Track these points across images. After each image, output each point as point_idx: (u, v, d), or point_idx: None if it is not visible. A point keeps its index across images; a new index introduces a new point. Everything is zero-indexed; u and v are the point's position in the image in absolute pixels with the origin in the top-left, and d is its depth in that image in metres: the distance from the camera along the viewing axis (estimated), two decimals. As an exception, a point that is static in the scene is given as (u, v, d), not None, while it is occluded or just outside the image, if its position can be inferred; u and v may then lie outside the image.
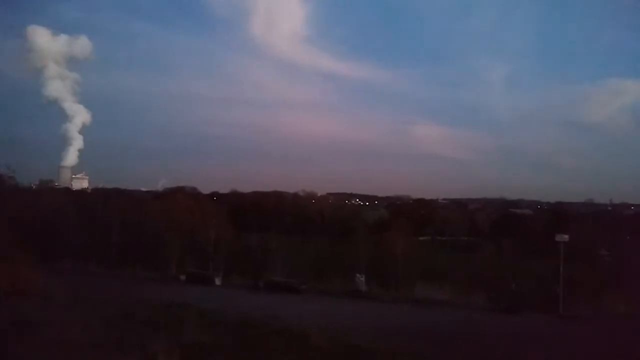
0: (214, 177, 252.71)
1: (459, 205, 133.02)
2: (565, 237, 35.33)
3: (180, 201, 56.52)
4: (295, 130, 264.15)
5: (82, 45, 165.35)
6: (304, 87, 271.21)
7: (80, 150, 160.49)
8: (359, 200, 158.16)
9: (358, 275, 38.15)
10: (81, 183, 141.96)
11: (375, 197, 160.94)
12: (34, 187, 62.25)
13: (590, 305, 33.34)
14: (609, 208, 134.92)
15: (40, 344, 16.78)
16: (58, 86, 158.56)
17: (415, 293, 36.90)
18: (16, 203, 40.50)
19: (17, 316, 20.68)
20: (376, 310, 30.26)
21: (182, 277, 41.29)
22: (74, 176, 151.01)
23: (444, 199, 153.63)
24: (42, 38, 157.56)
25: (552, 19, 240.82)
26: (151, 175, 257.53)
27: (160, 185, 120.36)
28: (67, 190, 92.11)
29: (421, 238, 75.60)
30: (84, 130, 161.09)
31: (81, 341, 17.44)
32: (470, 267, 46.75)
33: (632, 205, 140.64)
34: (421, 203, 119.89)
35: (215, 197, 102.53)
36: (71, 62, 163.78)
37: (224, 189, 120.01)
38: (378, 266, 44.35)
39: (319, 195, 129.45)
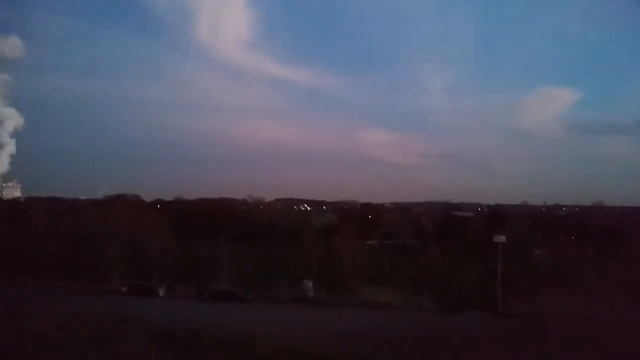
0: (157, 184, 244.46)
1: (405, 209, 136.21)
2: (503, 237, 37.14)
3: (122, 210, 54.52)
4: (242, 135, 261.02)
5: (13, 45, 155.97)
6: (250, 92, 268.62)
7: (12, 156, 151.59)
8: (307, 206, 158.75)
9: (306, 281, 38.25)
10: (13, 192, 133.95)
11: (323, 202, 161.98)
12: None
13: (527, 303, 35.09)
14: (543, 209, 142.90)
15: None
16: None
17: (362, 296, 37.42)
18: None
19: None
20: (323, 315, 30.40)
21: (124, 289, 39.78)
22: (5, 184, 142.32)
23: (390, 203, 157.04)
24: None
25: (489, 27, 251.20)
26: (90, 183, 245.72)
27: (100, 193, 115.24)
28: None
29: (368, 242, 76.67)
30: (15, 135, 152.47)
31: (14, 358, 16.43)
32: (415, 270, 47.95)
33: (564, 206, 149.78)
34: (368, 207, 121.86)
35: (159, 205, 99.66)
36: (1, 63, 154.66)
37: (168, 197, 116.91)
38: (326, 271, 44.62)
39: (266, 201, 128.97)
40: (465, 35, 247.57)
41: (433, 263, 48.41)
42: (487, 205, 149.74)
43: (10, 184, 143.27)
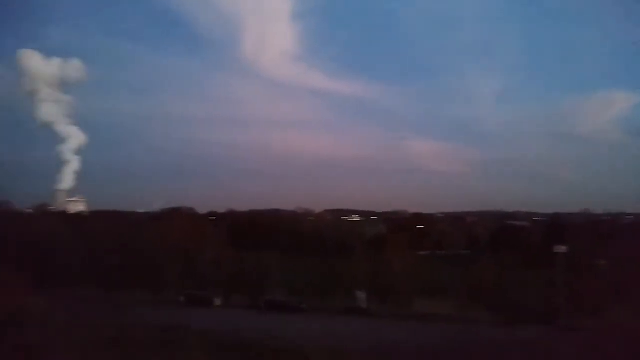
0: (210, 197, 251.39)
1: (457, 219, 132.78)
2: (564, 248, 35.47)
3: (178, 222, 56.31)
4: (291, 148, 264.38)
5: (75, 68, 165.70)
6: (298, 105, 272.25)
7: (76, 173, 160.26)
8: (357, 217, 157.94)
9: (358, 292, 37.92)
10: (77, 206, 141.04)
11: (372, 213, 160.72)
12: (29, 211, 61.83)
13: (591, 317, 33.21)
14: (606, 218, 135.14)
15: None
16: (52, 109, 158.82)
17: (415, 308, 36.73)
18: (13, 228, 40.29)
19: (17, 341, 20.52)
20: (377, 327, 30.07)
21: (182, 299, 40.96)
22: (70, 199, 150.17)
23: (441, 213, 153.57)
24: (34, 62, 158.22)
25: (541, 32, 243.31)
26: (148, 197, 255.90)
27: (157, 206, 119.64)
28: (64, 214, 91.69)
29: (420, 253, 75.26)
30: (79, 153, 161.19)
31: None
32: (469, 281, 46.51)
33: (630, 214, 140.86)
34: (419, 218, 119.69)
35: (213, 217, 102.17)
36: (64, 85, 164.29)
37: (220, 209, 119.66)
38: (378, 282, 44.07)
39: (316, 212, 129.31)
40: (513, 40, 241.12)
41: (488, 274, 46.71)
42: (544, 214, 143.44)
43: (74, 199, 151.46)
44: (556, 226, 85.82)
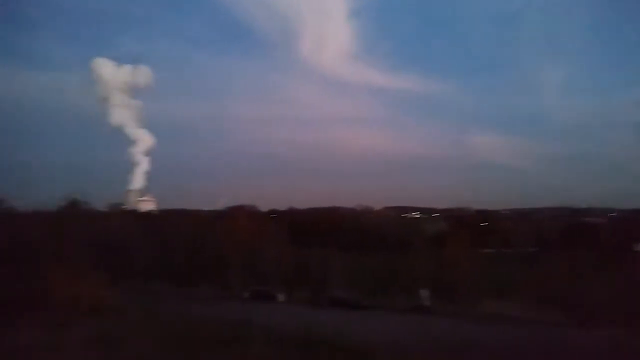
0: (271, 195, 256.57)
1: (524, 216, 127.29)
2: (645, 245, 32.97)
3: (241, 220, 57.81)
4: (350, 146, 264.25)
5: (143, 74, 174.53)
6: (356, 103, 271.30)
7: (146, 173, 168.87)
8: (417, 213, 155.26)
9: (422, 290, 37.23)
10: (147, 205, 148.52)
11: (433, 210, 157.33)
12: (105, 211, 65.76)
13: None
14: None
15: (117, 359, 17.58)
16: (122, 114, 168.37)
17: (482, 308, 35.51)
18: (90, 226, 42.95)
19: (96, 332, 21.85)
20: (442, 326, 29.27)
21: (246, 295, 41.99)
22: (140, 199, 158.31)
23: (507, 210, 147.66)
24: (107, 69, 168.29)
25: (608, 16, 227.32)
26: (212, 195, 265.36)
27: (221, 204, 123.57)
28: (135, 213, 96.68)
29: (485, 251, 72.85)
30: (148, 154, 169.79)
31: (153, 357, 18.12)
32: (538, 280, 44.40)
33: None
34: (483, 214, 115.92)
35: (274, 215, 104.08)
36: (134, 90, 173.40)
37: (281, 206, 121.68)
38: (441, 280, 43.11)
39: (376, 209, 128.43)
40: (579, 26, 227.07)
41: (559, 273, 44.39)
42: (620, 210, 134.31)
43: (144, 198, 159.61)
44: (635, 223, 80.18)
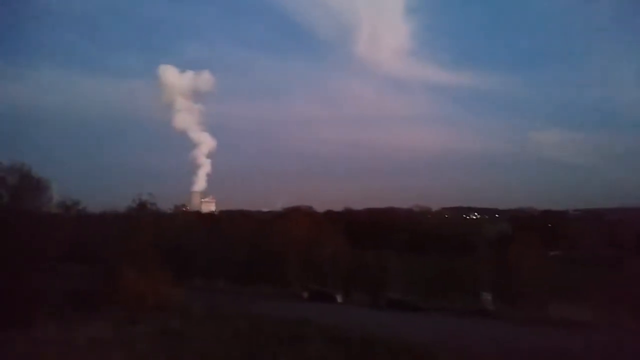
0: (327, 196, 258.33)
1: (594, 216, 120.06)
2: None
3: (298, 220, 58.34)
4: (405, 144, 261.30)
5: (205, 79, 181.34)
6: (413, 100, 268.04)
7: (208, 175, 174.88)
8: (478, 214, 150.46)
9: (484, 293, 35.94)
10: (209, 206, 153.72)
11: (495, 210, 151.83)
12: (170, 211, 68.66)
13: None
14: None
15: (184, 355, 18.26)
16: (185, 118, 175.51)
17: (550, 313, 33.76)
18: (156, 227, 44.89)
19: (162, 328, 22.84)
20: (507, 331, 28.15)
21: (305, 294, 42.31)
22: (202, 200, 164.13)
23: (576, 210, 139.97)
24: (171, 76, 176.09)
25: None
26: (270, 196, 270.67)
27: (279, 205, 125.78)
28: (197, 214, 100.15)
29: (551, 253, 69.39)
30: (210, 156, 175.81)
31: (217, 353, 18.66)
32: (612, 284, 41.68)
33: None
34: (549, 215, 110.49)
35: (330, 215, 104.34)
36: (196, 94, 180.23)
37: (337, 207, 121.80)
38: (505, 283, 41.46)
39: (433, 210, 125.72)
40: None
41: (635, 277, 41.51)
42: None
43: (206, 200, 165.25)
44: None
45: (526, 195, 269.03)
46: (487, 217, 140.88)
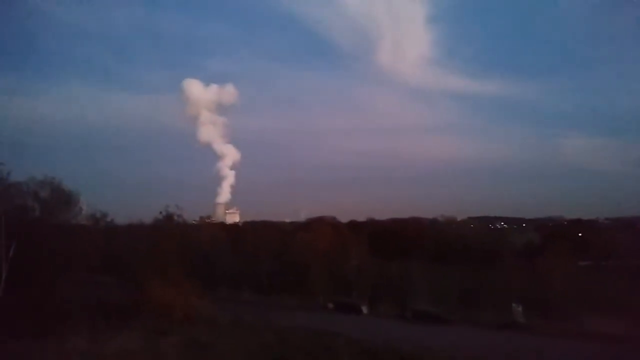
0: (351, 206, 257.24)
1: (625, 225, 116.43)
2: None
3: (322, 231, 58.18)
4: (429, 154, 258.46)
5: (229, 92, 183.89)
6: (437, 110, 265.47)
7: (232, 187, 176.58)
8: (504, 224, 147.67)
9: (514, 305, 34.98)
10: (233, 217, 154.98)
11: (522, 220, 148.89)
12: (196, 223, 69.32)
13: None
14: None
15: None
16: (210, 130, 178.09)
17: (584, 326, 32.66)
18: (183, 238, 45.40)
19: (190, 339, 22.95)
20: (541, 345, 27.31)
21: (330, 306, 42.02)
22: (227, 211, 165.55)
23: (606, 218, 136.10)
24: (195, 89, 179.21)
25: None
26: (294, 207, 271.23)
27: (302, 216, 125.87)
28: (222, 225, 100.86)
29: (581, 263, 67.41)
30: (234, 168, 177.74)
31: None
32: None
33: None
34: (578, 224, 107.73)
35: (353, 226, 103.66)
36: (220, 108, 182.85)
37: (361, 217, 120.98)
38: (535, 295, 40.36)
39: (459, 219, 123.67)
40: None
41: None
42: None
43: (231, 211, 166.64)
44: None
45: (554, 204, 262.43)
46: (514, 226, 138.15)
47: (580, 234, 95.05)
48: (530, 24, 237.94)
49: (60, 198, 38.56)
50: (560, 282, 40.23)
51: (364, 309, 40.49)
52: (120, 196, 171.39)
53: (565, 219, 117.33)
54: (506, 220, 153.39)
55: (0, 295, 30.49)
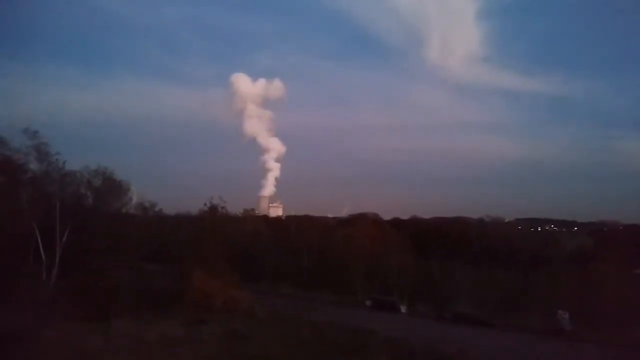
0: (394, 203, 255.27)
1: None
2: None
3: (364, 228, 57.93)
4: (477, 153, 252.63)
5: (276, 87, 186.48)
6: (488, 108, 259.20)
7: (276, 180, 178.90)
8: (554, 226, 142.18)
9: (560, 311, 33.63)
10: (277, 211, 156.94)
11: (574, 223, 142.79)
12: (239, 215, 70.61)
13: None
14: None
15: (247, 357, 18.64)
16: (256, 124, 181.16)
17: (634, 337, 30.96)
18: (226, 230, 46.43)
19: (228, 329, 23.46)
20: (585, 354, 26.20)
21: (368, 303, 41.87)
22: (271, 205, 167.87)
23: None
24: (243, 84, 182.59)
25: None
26: (336, 202, 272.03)
27: (345, 212, 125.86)
28: (265, 218, 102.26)
29: (636, 270, 64.01)
30: (279, 161, 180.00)
31: (280, 358, 18.86)
32: None
33: None
34: (634, 229, 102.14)
35: (396, 224, 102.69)
36: (266, 102, 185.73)
37: (404, 215, 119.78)
38: (584, 302, 38.63)
39: (506, 220, 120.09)
40: None
41: None
42: None
43: (274, 205, 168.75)
44: None
45: (609, 207, 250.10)
46: (564, 229, 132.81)
47: (635, 240, 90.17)
48: (586, 19, 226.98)
49: (112, 187, 40.33)
50: (612, 289, 38.33)
51: (403, 308, 40.06)
52: (169, 187, 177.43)
53: (621, 224, 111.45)
54: (556, 222, 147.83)
55: (54, 279, 32.36)
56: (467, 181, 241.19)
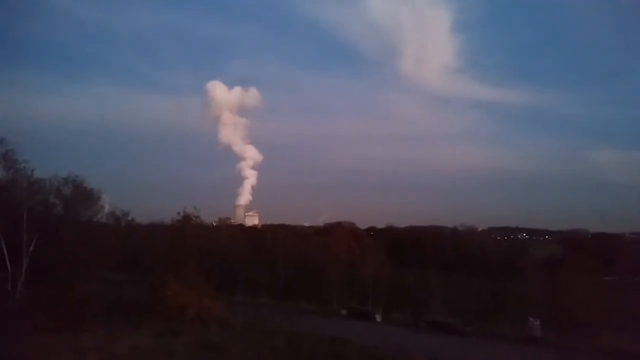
0: (370, 212, 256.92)
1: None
2: None
3: (340, 237, 57.88)
4: (451, 162, 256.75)
5: (252, 95, 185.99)
6: (461, 118, 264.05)
7: (252, 188, 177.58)
8: (526, 235, 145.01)
9: (532, 319, 34.22)
10: (253, 220, 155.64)
11: (545, 232, 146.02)
12: (214, 224, 69.69)
13: None
14: None
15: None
16: (231, 132, 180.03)
17: (602, 342, 31.71)
18: (200, 239, 45.86)
19: (201, 340, 23.11)
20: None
21: (343, 312, 41.82)
22: (247, 213, 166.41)
23: (632, 233, 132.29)
24: (218, 92, 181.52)
25: None
26: (313, 211, 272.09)
27: (321, 220, 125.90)
28: (241, 227, 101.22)
29: (605, 278, 65.61)
30: (255, 169, 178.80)
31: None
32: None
33: None
34: (602, 238, 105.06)
35: (372, 232, 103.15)
36: (243, 110, 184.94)
37: (380, 224, 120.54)
38: (553, 310, 39.38)
39: (479, 229, 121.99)
40: None
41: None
42: None
43: (250, 213, 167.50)
44: None
45: (579, 216, 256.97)
46: (535, 238, 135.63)
47: (604, 248, 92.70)
48: (557, 34, 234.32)
49: (83, 196, 39.32)
50: (582, 296, 39.14)
51: (378, 317, 40.11)
52: (143, 195, 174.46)
53: (590, 233, 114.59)
54: (528, 231, 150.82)
55: (20, 289, 31.28)
56: (442, 190, 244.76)
